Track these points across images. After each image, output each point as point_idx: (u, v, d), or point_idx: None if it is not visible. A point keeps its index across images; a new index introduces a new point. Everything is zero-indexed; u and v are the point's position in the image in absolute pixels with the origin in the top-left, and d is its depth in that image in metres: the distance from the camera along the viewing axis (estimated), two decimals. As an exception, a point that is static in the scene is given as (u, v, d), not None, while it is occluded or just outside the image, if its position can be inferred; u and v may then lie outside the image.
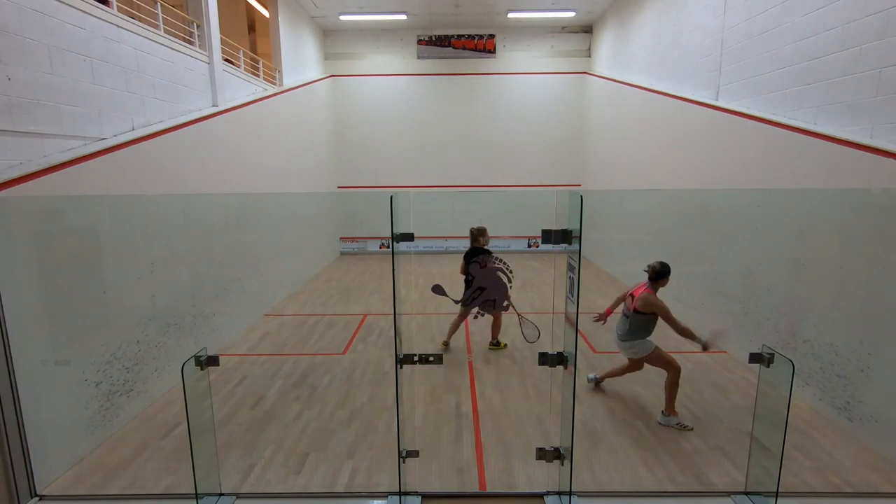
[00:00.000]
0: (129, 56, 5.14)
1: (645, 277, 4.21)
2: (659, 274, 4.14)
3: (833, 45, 4.64)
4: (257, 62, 8.92)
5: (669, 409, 4.18)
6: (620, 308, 4.49)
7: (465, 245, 5.75)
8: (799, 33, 5.07)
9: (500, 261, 5.39)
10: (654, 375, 5.17)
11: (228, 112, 7.15)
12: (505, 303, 5.43)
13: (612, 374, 4.74)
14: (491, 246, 5.75)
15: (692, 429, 4.09)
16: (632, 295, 4.27)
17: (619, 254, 10.12)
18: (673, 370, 4.18)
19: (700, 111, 6.94)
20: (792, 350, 4.58)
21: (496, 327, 5.96)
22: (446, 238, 12.19)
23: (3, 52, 3.66)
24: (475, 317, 5.61)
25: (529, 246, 12.74)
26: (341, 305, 8.24)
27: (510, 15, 11.55)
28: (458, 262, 5.80)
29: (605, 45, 11.72)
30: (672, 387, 4.17)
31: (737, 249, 5.66)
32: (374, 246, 13.27)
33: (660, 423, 4.18)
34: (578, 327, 2.77)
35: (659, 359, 4.25)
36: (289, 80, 10.17)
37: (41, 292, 3.48)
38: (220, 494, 3.17)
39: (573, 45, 12.89)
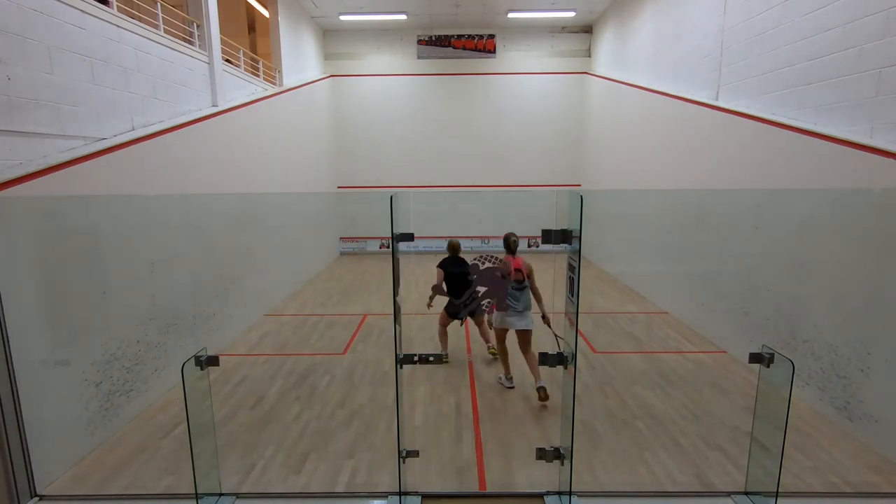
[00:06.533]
0: (129, 56, 5.14)
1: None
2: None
3: (833, 45, 4.63)
4: (257, 62, 8.92)
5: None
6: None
7: (465, 245, 5.69)
8: (799, 33, 5.07)
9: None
10: (653, 375, 5.18)
11: (228, 112, 7.15)
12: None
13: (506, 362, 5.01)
14: (490, 246, 5.74)
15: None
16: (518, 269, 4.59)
17: (619, 254, 10.12)
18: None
19: (700, 111, 6.94)
20: (792, 350, 4.58)
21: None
22: (446, 238, 12.12)
23: (3, 52, 3.65)
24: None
25: (529, 246, 12.73)
26: (341, 305, 8.24)
27: (510, 15, 11.56)
28: None
29: (605, 45, 11.71)
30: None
31: (737, 249, 5.65)
32: (374, 246, 13.26)
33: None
34: (578, 327, 2.77)
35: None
36: (289, 80, 10.17)
37: (41, 292, 3.48)
38: (220, 494, 3.17)
39: (573, 45, 12.89)
